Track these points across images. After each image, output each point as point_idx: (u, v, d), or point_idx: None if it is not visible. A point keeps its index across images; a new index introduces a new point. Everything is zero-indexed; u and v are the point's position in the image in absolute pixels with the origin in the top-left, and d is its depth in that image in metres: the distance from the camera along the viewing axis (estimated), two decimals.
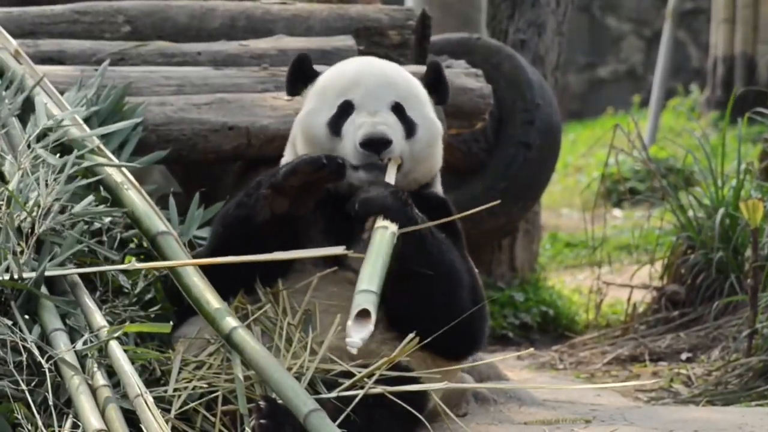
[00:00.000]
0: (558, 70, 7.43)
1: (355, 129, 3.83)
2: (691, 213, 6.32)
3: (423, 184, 3.99)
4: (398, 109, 3.89)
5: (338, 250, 3.60)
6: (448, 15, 8.97)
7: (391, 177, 3.77)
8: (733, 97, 6.71)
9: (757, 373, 5.09)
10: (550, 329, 7.02)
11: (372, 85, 3.91)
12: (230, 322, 3.54)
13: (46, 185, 3.86)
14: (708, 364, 5.59)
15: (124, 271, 3.93)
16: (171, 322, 3.67)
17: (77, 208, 3.87)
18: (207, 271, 3.68)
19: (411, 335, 3.55)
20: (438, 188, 4.07)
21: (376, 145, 3.77)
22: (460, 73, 5.25)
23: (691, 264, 6.26)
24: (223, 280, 3.69)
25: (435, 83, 4.05)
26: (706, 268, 6.18)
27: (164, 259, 3.73)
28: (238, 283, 3.78)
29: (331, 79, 4.01)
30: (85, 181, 3.99)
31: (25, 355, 3.49)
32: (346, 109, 3.90)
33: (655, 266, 6.53)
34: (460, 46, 6.73)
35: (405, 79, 4.00)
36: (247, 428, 3.38)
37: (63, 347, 3.52)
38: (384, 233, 3.53)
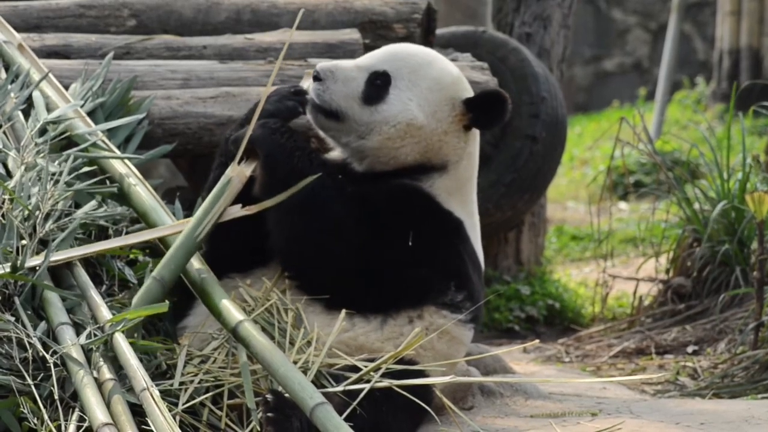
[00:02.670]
0: (564, 63, 7.41)
1: None
2: (696, 206, 6.31)
3: (392, 171, 3.94)
4: (380, 77, 3.94)
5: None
6: (454, 8, 8.96)
7: None
8: (734, 90, 6.69)
9: (763, 366, 5.09)
10: (556, 322, 7.01)
11: (376, 51, 4.02)
12: (237, 315, 3.54)
13: (49, 179, 3.87)
14: (714, 357, 5.58)
15: (129, 265, 3.94)
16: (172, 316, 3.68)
17: (80, 212, 3.88)
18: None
19: (417, 329, 3.56)
20: (425, 182, 3.94)
21: (314, 75, 3.94)
22: (465, 66, 5.25)
23: (697, 257, 6.25)
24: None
25: (481, 107, 3.97)
26: (711, 260, 6.16)
27: None
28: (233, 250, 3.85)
29: None
30: (88, 169, 4.00)
31: (30, 351, 3.49)
32: None
33: (660, 259, 6.51)
34: (466, 40, 6.72)
35: (419, 67, 3.96)
36: (254, 422, 3.39)
37: (69, 341, 3.52)
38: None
